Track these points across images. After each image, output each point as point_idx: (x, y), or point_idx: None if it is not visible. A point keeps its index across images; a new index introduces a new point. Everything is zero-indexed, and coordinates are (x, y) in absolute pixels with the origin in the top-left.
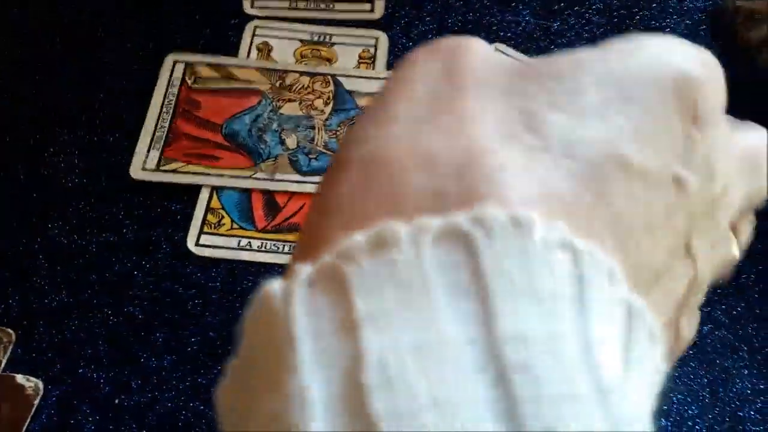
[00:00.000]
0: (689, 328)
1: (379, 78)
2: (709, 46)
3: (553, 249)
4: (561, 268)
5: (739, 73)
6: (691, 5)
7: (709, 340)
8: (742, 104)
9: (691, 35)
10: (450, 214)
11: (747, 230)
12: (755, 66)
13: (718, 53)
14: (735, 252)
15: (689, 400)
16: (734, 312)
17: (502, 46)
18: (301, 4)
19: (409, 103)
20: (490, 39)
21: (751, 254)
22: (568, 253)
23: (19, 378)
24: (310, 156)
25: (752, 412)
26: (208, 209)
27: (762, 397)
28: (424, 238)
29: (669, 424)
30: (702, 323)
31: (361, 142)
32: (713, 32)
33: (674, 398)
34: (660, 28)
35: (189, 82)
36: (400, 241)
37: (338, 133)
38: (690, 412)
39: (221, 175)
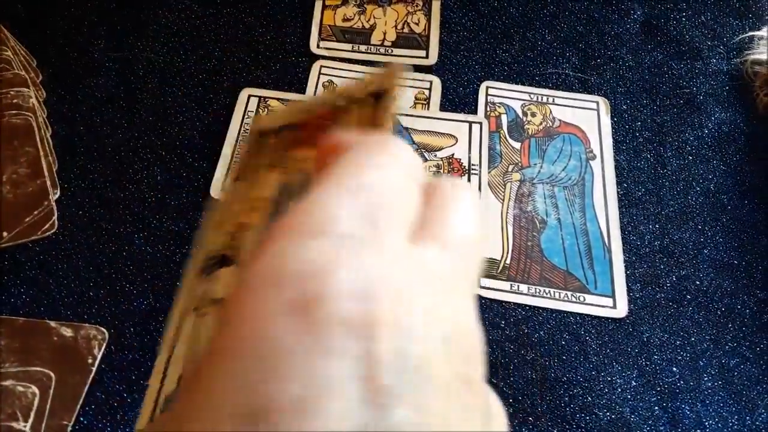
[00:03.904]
0: None
1: (432, 117)
2: (731, 105)
3: None
4: None
5: (757, 130)
6: (715, 68)
7: (736, 373)
8: (760, 160)
9: (715, 95)
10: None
11: None
12: None
13: (740, 112)
14: None
15: (720, 426)
16: (758, 348)
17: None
18: (363, 48)
19: None
20: (534, 87)
21: None
22: None
23: None
24: None
25: None
26: None
27: None
28: None
29: None
30: (729, 358)
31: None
32: (735, 93)
33: (707, 423)
34: (687, 87)
35: (262, 114)
36: None
37: None
38: None
39: None
